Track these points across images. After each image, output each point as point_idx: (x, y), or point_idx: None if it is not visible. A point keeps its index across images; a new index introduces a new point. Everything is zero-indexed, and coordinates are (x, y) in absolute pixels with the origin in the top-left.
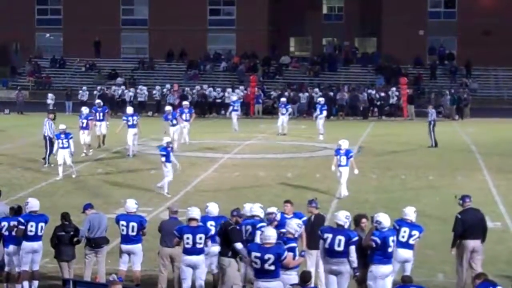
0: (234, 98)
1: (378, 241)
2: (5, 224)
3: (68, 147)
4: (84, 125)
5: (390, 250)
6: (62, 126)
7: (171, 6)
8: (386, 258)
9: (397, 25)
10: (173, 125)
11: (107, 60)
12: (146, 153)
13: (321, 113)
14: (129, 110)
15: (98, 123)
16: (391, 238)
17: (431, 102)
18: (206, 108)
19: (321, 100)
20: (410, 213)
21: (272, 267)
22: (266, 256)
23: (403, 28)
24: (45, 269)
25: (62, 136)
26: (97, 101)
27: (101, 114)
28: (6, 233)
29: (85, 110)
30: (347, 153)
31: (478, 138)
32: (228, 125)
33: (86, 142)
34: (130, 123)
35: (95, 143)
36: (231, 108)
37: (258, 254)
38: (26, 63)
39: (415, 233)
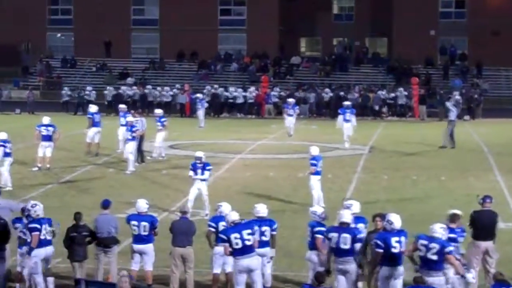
0: (200, 96)
1: (379, 242)
2: (19, 226)
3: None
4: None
5: (394, 251)
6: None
7: (181, 6)
8: (391, 259)
9: (408, 25)
10: (131, 139)
11: (118, 60)
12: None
13: (350, 118)
14: (158, 111)
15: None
16: (394, 239)
17: (452, 99)
18: (218, 108)
19: (348, 103)
20: (396, 221)
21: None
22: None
23: (414, 28)
24: (58, 269)
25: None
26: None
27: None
28: (21, 234)
29: (92, 108)
30: (205, 166)
31: (489, 138)
32: (241, 125)
33: (94, 141)
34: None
35: (109, 143)
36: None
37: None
38: (37, 63)
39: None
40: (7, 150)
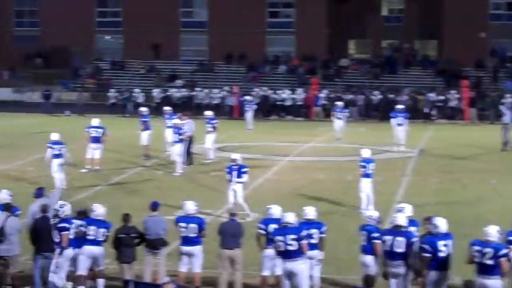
0: (249, 98)
1: (427, 247)
2: (71, 226)
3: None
4: (143, 126)
5: (441, 255)
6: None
7: (230, 9)
8: (439, 263)
9: (458, 28)
10: (178, 141)
11: (167, 63)
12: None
13: (403, 122)
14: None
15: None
16: (441, 243)
17: (505, 102)
18: (267, 110)
19: (401, 107)
20: (441, 225)
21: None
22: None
23: (464, 31)
24: (107, 270)
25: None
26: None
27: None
28: (72, 236)
29: (145, 111)
30: (240, 168)
31: None
32: (289, 127)
33: (143, 143)
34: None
35: (157, 144)
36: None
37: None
38: (86, 65)
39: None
40: (56, 152)
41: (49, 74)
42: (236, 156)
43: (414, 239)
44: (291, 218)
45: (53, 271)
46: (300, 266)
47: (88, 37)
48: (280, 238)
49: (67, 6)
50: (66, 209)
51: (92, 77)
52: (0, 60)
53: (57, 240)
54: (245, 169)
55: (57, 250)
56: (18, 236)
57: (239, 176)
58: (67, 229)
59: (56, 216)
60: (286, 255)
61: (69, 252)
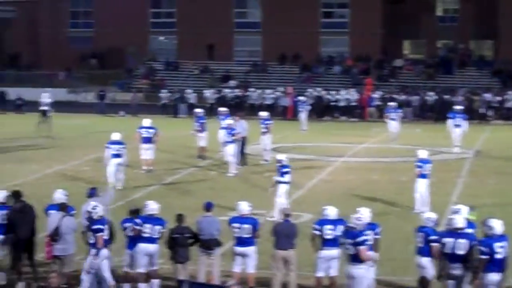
0: (303, 99)
1: (484, 249)
2: (128, 225)
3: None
4: (199, 128)
5: (498, 256)
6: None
7: (283, 9)
8: (495, 265)
9: None
10: (231, 141)
11: (220, 63)
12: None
13: (461, 123)
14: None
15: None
16: (497, 244)
17: None
18: (321, 110)
19: (460, 108)
20: (496, 226)
21: None
22: None
23: None
24: (161, 270)
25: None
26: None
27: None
28: (131, 234)
29: (201, 112)
30: (283, 168)
31: None
32: (343, 128)
33: (200, 145)
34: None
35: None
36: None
37: None
38: (141, 66)
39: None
40: (113, 152)
41: (103, 74)
42: (281, 156)
43: (475, 242)
44: (352, 221)
45: (87, 270)
46: (358, 271)
47: (142, 38)
48: (342, 240)
49: (121, 7)
50: (99, 211)
51: (146, 77)
52: (55, 61)
53: (91, 241)
54: (286, 169)
55: (92, 251)
56: (73, 235)
57: (281, 176)
58: (102, 230)
59: (89, 218)
60: (348, 258)
61: (105, 252)
